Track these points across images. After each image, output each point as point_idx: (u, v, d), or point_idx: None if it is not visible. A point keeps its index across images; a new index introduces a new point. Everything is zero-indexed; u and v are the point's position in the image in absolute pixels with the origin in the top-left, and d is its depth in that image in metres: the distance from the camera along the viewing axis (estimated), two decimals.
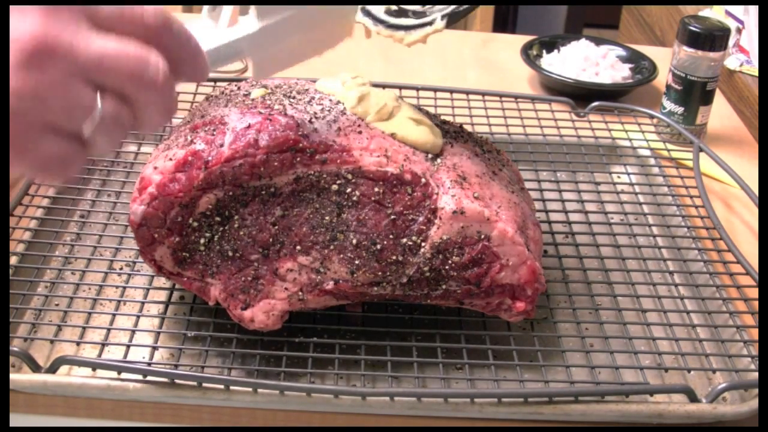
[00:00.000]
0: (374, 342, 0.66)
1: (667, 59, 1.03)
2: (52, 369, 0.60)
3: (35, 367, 0.61)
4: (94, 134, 0.44)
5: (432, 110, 0.93)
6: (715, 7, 1.25)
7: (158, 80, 0.44)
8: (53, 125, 0.43)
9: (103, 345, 0.64)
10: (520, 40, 1.17)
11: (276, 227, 0.62)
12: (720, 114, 1.06)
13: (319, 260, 0.63)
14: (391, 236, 0.62)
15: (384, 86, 1.00)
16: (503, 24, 2.50)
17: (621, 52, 1.15)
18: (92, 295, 0.70)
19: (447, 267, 0.63)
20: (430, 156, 0.66)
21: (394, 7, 0.65)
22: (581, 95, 1.01)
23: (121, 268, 0.73)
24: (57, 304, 0.69)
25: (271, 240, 0.62)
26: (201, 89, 0.94)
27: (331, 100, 0.67)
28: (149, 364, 0.63)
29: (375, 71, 1.11)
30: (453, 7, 0.64)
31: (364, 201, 0.62)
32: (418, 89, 0.97)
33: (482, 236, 0.63)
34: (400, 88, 0.97)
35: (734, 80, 1.16)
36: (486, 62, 1.18)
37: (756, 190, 0.85)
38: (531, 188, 0.80)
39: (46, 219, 0.76)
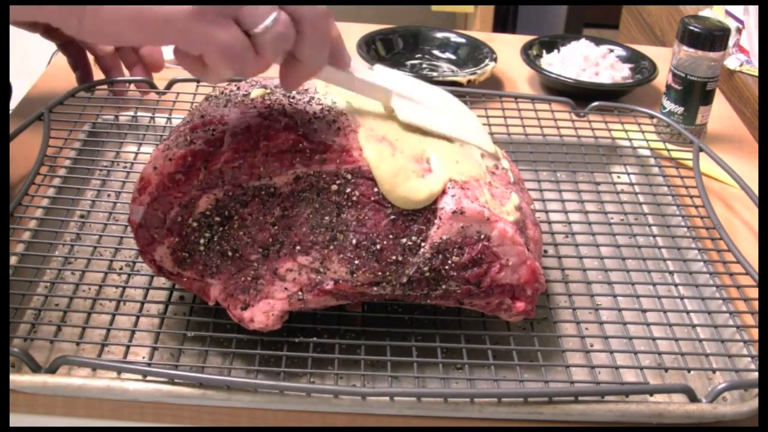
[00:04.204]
0: (374, 342, 0.66)
1: (667, 59, 1.03)
2: (52, 369, 0.61)
3: (35, 368, 0.61)
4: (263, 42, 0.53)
5: None
6: (715, 7, 1.25)
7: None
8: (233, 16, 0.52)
9: (103, 345, 0.64)
10: (520, 40, 1.17)
11: (275, 227, 0.62)
12: (720, 114, 1.06)
13: (319, 260, 0.63)
14: (390, 236, 0.62)
15: None
16: (503, 24, 2.50)
17: (621, 52, 1.15)
18: (92, 295, 0.70)
19: (447, 267, 0.63)
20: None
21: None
22: (581, 95, 1.01)
23: (121, 268, 0.73)
24: (57, 304, 0.69)
25: (270, 240, 0.62)
26: (201, 89, 0.94)
27: (332, 100, 0.67)
28: (149, 364, 0.63)
29: None
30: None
31: (364, 201, 0.62)
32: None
33: (482, 236, 0.63)
34: None
35: (734, 80, 1.16)
36: None
37: (756, 190, 0.85)
38: (531, 188, 0.80)
39: (46, 219, 0.76)
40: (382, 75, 0.69)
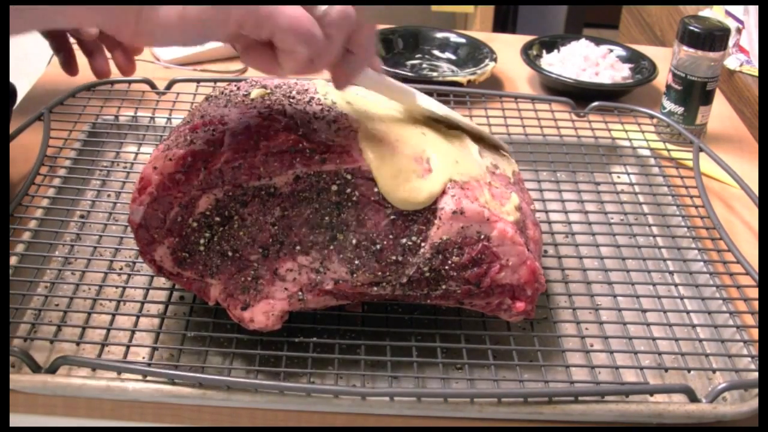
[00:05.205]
0: (374, 342, 0.66)
1: (667, 59, 1.03)
2: (52, 369, 0.61)
3: (35, 367, 0.61)
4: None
5: None
6: (715, 7, 1.25)
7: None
8: None
9: (103, 345, 0.64)
10: (520, 40, 1.17)
11: (275, 227, 0.62)
12: (720, 114, 1.06)
13: (319, 260, 0.63)
14: (390, 236, 0.62)
15: None
16: (503, 24, 2.50)
17: (621, 52, 1.15)
18: (92, 295, 0.70)
19: (447, 267, 0.63)
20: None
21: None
22: (581, 95, 1.01)
23: (121, 268, 0.73)
24: (57, 304, 0.69)
25: (270, 240, 0.62)
26: (201, 89, 0.94)
27: (332, 100, 0.67)
28: (149, 364, 0.63)
29: None
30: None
31: (364, 201, 0.62)
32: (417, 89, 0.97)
33: (482, 236, 0.63)
34: None
35: (734, 80, 1.16)
36: None
37: (756, 190, 0.85)
38: (531, 188, 0.80)
39: (46, 219, 0.76)
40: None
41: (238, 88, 0.69)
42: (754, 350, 0.66)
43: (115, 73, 0.86)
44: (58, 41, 0.89)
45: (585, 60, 1.11)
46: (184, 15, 0.50)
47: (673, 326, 0.69)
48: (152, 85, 0.94)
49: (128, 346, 0.64)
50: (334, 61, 0.56)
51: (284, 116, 0.63)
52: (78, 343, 0.66)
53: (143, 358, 0.65)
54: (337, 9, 0.54)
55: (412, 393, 0.60)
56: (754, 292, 0.71)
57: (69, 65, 0.89)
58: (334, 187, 0.62)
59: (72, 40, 0.89)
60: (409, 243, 0.62)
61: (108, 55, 0.87)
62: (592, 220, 0.80)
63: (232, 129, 0.62)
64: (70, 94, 0.91)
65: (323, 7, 0.53)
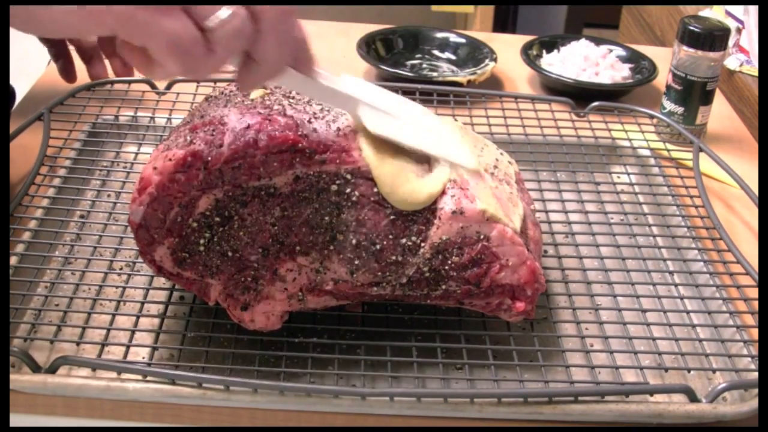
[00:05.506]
0: (374, 342, 0.66)
1: (667, 59, 1.03)
2: (52, 369, 0.61)
3: (35, 368, 0.61)
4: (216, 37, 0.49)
5: (432, 110, 0.93)
6: (715, 7, 1.25)
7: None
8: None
9: (103, 345, 0.64)
10: (520, 40, 1.17)
11: (275, 227, 0.62)
12: (720, 114, 1.06)
13: (319, 260, 0.63)
14: (390, 236, 0.62)
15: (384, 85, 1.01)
16: (503, 24, 2.50)
17: (621, 52, 1.15)
18: (92, 295, 0.70)
19: (446, 267, 0.63)
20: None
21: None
22: (581, 95, 1.01)
23: (121, 268, 0.73)
24: (57, 305, 0.69)
25: (270, 240, 0.62)
26: (201, 89, 0.94)
27: None
28: (149, 365, 0.63)
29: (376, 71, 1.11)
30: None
31: (364, 201, 0.62)
32: (418, 90, 0.97)
33: (481, 236, 0.63)
34: (400, 88, 0.98)
35: (734, 80, 1.16)
36: None
37: (756, 190, 0.85)
38: (531, 188, 0.80)
39: (46, 219, 0.76)
40: (350, 84, 0.63)
41: (238, 88, 0.69)
42: (754, 350, 0.66)
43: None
44: (57, 48, 0.89)
45: (585, 60, 1.11)
46: (51, 12, 0.47)
47: (673, 326, 0.69)
48: (152, 85, 0.94)
49: (128, 346, 0.64)
50: (217, 70, 0.52)
51: (284, 116, 0.63)
52: (78, 343, 0.66)
53: (143, 358, 0.65)
54: (229, 27, 0.49)
55: (412, 393, 0.60)
56: (754, 292, 0.71)
57: (67, 72, 0.89)
58: (334, 187, 0.62)
59: (71, 46, 0.90)
60: (409, 243, 0.62)
61: (107, 63, 0.87)
62: (592, 220, 0.80)
63: (232, 129, 0.62)
64: (70, 94, 0.91)
65: (216, 19, 0.49)
